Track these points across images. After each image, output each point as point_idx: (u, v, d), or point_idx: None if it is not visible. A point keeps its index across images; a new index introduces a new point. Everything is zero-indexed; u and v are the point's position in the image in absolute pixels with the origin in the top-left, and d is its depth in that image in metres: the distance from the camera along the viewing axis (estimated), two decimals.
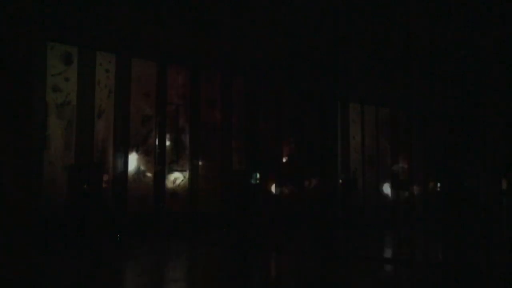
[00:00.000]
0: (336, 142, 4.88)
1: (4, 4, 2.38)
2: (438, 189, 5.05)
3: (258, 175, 4.32)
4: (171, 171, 4.07)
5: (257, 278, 2.36)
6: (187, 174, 4.12)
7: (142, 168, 3.92)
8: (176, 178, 4.07)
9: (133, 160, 3.92)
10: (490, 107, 3.87)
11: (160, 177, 4.01)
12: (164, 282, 2.14)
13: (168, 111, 4.07)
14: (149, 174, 3.97)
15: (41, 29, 2.71)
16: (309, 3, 3.86)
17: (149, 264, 2.59)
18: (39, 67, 2.90)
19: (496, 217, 4.08)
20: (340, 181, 4.91)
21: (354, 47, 4.01)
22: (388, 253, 3.19)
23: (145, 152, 3.96)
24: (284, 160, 4.66)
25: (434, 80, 4.17)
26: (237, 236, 3.64)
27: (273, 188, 4.50)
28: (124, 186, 3.79)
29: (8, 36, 2.42)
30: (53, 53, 3.60)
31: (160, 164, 3.97)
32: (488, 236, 3.75)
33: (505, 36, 3.65)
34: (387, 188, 5.11)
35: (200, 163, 4.22)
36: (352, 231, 4.06)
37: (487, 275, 2.38)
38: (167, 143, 4.12)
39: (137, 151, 3.95)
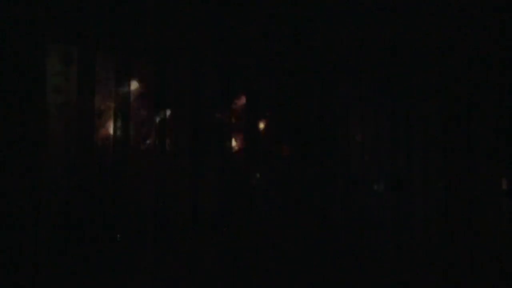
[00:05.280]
0: (336, 142, 4.87)
1: (4, 4, 2.38)
2: (439, 189, 5.04)
3: (258, 175, 4.31)
4: (171, 170, 4.05)
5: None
6: (188, 174, 4.11)
7: (143, 167, 3.91)
8: (177, 177, 4.05)
9: (133, 160, 3.91)
10: (489, 106, 3.87)
11: (160, 176, 3.99)
12: None
13: (168, 111, 4.07)
14: (149, 174, 3.95)
15: (41, 29, 2.71)
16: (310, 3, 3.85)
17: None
18: (39, 67, 2.89)
19: (496, 217, 4.07)
20: (340, 181, 4.89)
21: (353, 47, 4.01)
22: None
23: (146, 152, 3.95)
24: (283, 160, 4.64)
25: (433, 78, 4.17)
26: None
27: (272, 188, 4.48)
28: (124, 186, 3.78)
29: (8, 36, 2.42)
30: (53, 53, 3.59)
31: (161, 163, 3.95)
32: (488, 235, 3.74)
33: (504, 34, 3.64)
34: (387, 188, 5.09)
35: (200, 162, 4.21)
36: (352, 232, 4.05)
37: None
38: (167, 143, 4.11)
39: (137, 151, 3.95)
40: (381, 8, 3.43)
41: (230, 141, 3.92)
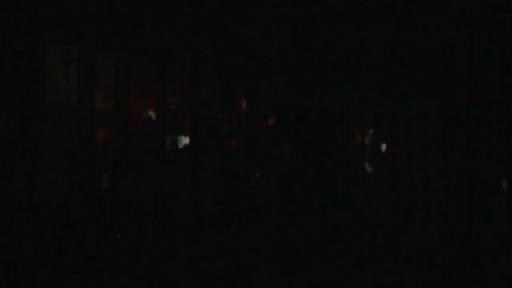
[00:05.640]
0: (336, 142, 4.86)
1: (4, 4, 2.38)
2: (439, 189, 5.03)
3: (258, 175, 4.30)
4: (171, 170, 4.05)
5: None
6: (188, 174, 4.10)
7: (142, 168, 3.91)
8: (177, 177, 4.05)
9: (133, 160, 3.90)
10: (489, 106, 3.86)
11: (160, 176, 3.99)
12: None
13: (168, 111, 4.06)
14: (148, 174, 3.95)
15: (41, 29, 2.71)
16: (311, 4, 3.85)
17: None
18: (39, 67, 2.89)
19: (496, 217, 4.06)
20: (340, 181, 4.88)
21: (353, 47, 4.00)
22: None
23: (145, 152, 3.95)
24: (283, 160, 4.63)
25: (433, 78, 4.16)
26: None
27: (272, 188, 4.47)
28: (124, 186, 3.77)
29: (8, 36, 2.41)
30: (53, 53, 3.59)
31: (160, 163, 3.95)
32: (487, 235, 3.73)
33: (504, 34, 3.64)
34: (387, 188, 5.09)
35: (200, 162, 4.20)
36: (352, 232, 4.05)
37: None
38: (168, 143, 4.11)
39: (137, 151, 3.94)
40: (381, 8, 3.42)
41: (230, 141, 3.92)
